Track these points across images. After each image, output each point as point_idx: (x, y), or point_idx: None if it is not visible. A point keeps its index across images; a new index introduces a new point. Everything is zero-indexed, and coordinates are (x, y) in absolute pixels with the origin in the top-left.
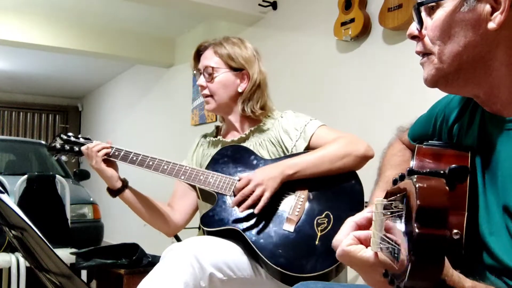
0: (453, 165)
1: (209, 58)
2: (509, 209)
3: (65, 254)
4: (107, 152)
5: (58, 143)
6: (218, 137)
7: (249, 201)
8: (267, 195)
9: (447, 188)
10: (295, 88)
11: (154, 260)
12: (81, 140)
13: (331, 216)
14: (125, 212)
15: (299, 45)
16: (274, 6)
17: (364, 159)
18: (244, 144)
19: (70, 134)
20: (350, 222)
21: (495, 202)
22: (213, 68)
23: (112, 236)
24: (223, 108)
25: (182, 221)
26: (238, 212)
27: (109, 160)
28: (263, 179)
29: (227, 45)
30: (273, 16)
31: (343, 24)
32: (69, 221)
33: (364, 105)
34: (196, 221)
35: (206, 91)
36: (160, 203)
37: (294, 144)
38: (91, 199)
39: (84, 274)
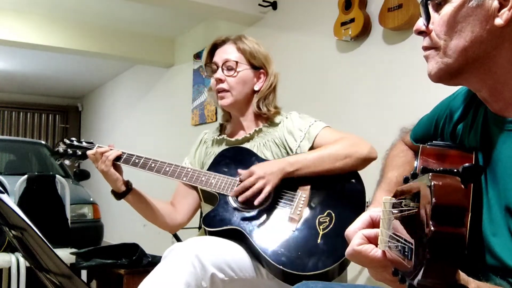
0: (467, 164)
1: (230, 53)
2: (511, 209)
3: (65, 254)
4: (118, 154)
5: (61, 148)
6: (223, 135)
7: (249, 192)
8: (268, 188)
9: (462, 186)
10: (295, 88)
11: (154, 260)
12: (84, 144)
13: (333, 215)
14: (125, 212)
15: (299, 45)
16: (274, 6)
17: (367, 160)
18: (248, 144)
19: (73, 138)
20: (366, 215)
21: (496, 202)
22: (237, 63)
23: (112, 236)
24: (238, 104)
25: (183, 219)
26: (240, 212)
27: (114, 164)
28: (265, 172)
29: (247, 41)
30: (273, 16)
31: (343, 24)
32: (69, 221)
33: (364, 105)
34: (196, 221)
35: (224, 85)
36: (163, 202)
37: (298, 145)
38: (91, 199)
39: (84, 274)
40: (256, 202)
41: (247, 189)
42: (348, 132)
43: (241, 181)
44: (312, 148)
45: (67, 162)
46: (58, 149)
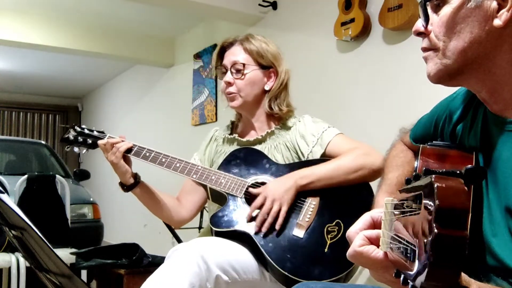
0: (470, 166)
1: (238, 54)
2: (511, 210)
3: (65, 254)
4: (129, 146)
5: (71, 135)
6: (234, 135)
7: (270, 220)
8: (284, 209)
9: (466, 188)
10: (295, 88)
11: (154, 260)
12: (95, 133)
13: (342, 224)
14: (125, 212)
15: (299, 45)
16: (274, 6)
17: (379, 172)
18: (259, 146)
19: (83, 126)
20: (367, 216)
21: (497, 203)
22: (244, 64)
23: (112, 236)
24: (248, 105)
25: (187, 215)
26: (248, 214)
27: (124, 156)
28: (278, 192)
29: (255, 41)
30: (273, 16)
31: (343, 24)
32: (69, 221)
33: (363, 105)
34: (196, 221)
35: (232, 88)
36: (169, 196)
37: (310, 150)
38: (91, 199)
39: (84, 274)
40: (277, 227)
41: (265, 217)
42: (360, 141)
43: (255, 207)
44: (324, 154)
45: (76, 149)
46: (68, 136)
